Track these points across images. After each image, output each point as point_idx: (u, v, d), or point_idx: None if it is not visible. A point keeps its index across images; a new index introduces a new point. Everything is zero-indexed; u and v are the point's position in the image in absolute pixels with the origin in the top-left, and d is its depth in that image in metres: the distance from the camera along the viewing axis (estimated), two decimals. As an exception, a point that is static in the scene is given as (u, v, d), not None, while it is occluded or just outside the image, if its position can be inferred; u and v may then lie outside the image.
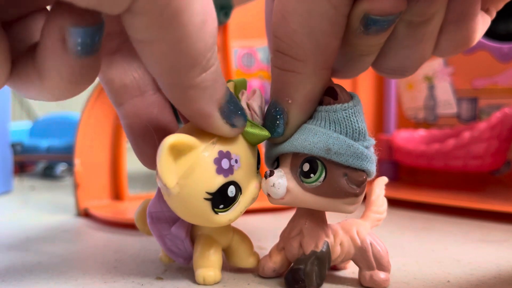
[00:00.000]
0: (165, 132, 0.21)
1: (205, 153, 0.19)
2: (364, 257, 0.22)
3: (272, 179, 0.20)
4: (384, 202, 0.24)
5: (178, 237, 0.22)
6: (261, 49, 0.64)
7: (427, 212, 0.41)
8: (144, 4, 0.14)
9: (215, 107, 0.18)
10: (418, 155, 0.48)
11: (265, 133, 0.20)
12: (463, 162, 0.45)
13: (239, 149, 0.20)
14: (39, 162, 0.73)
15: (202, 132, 0.19)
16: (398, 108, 0.56)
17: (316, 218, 0.22)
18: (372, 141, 0.20)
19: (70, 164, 0.68)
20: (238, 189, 0.20)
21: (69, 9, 0.14)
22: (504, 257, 0.27)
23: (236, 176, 0.20)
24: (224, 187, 0.19)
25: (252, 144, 0.21)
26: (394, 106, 0.55)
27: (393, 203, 0.44)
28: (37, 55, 0.16)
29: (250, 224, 0.36)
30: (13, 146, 0.66)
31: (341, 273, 0.24)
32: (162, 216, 0.22)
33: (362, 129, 0.19)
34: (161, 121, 0.21)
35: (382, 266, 0.22)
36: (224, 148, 0.19)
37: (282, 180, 0.20)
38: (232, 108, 0.19)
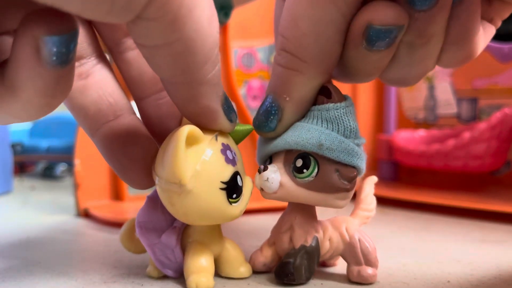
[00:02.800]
0: (145, 147, 0.21)
1: (212, 144, 0.19)
2: (352, 253, 0.22)
3: (266, 173, 0.21)
4: (373, 200, 0.25)
5: (168, 246, 0.22)
6: (261, 49, 0.63)
7: (427, 212, 0.41)
8: (158, 9, 0.14)
9: (219, 103, 0.19)
10: (418, 155, 0.48)
11: (249, 127, 0.22)
12: (463, 162, 0.45)
13: (233, 145, 0.21)
14: (39, 162, 0.73)
15: (201, 128, 0.19)
16: (398, 108, 0.56)
17: (306, 213, 0.22)
18: (363, 140, 0.21)
19: (70, 164, 0.68)
20: (241, 180, 0.21)
21: (42, 17, 0.14)
22: (504, 257, 0.27)
23: (238, 167, 0.20)
24: (234, 176, 0.20)
25: (238, 141, 0.22)
26: (394, 106, 0.55)
27: (393, 203, 0.44)
28: (9, 69, 0.15)
29: (250, 224, 0.36)
30: (13, 146, 0.66)
31: (330, 269, 0.25)
32: (151, 226, 0.22)
33: (353, 127, 0.20)
34: (140, 137, 0.21)
35: (369, 262, 0.22)
36: (225, 141, 0.20)
37: (275, 175, 0.21)
38: (229, 104, 0.19)
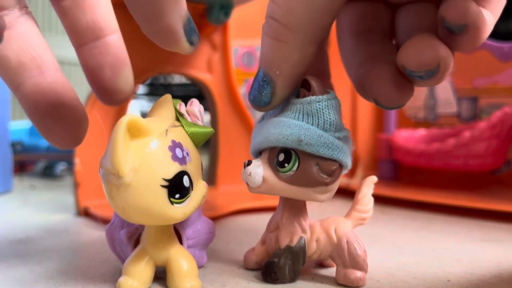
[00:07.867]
0: (73, 109, 0.20)
1: (159, 139, 0.19)
2: (340, 254, 0.22)
3: (249, 168, 0.21)
4: (370, 201, 0.24)
5: (123, 242, 0.22)
6: (261, 48, 0.64)
7: (427, 212, 0.41)
8: None
9: (181, 24, 0.18)
10: (418, 154, 0.48)
11: (209, 130, 0.21)
12: (463, 161, 0.45)
13: (188, 145, 0.20)
14: (39, 161, 0.73)
15: (153, 123, 0.19)
16: (398, 108, 0.56)
17: (294, 213, 0.22)
18: (345, 133, 0.21)
19: (70, 163, 0.68)
20: (191, 182, 0.20)
21: None
22: (504, 257, 0.27)
23: (189, 168, 0.20)
24: (180, 175, 0.19)
25: (198, 144, 0.21)
26: (394, 105, 0.55)
27: (393, 202, 0.44)
28: None
29: (250, 224, 0.36)
30: (13, 145, 0.66)
31: (329, 270, 0.25)
32: (119, 222, 0.22)
33: (333, 120, 0.20)
34: (66, 98, 0.20)
35: (357, 265, 0.22)
36: (176, 138, 0.19)
37: (259, 170, 0.21)
38: (191, 26, 0.19)
